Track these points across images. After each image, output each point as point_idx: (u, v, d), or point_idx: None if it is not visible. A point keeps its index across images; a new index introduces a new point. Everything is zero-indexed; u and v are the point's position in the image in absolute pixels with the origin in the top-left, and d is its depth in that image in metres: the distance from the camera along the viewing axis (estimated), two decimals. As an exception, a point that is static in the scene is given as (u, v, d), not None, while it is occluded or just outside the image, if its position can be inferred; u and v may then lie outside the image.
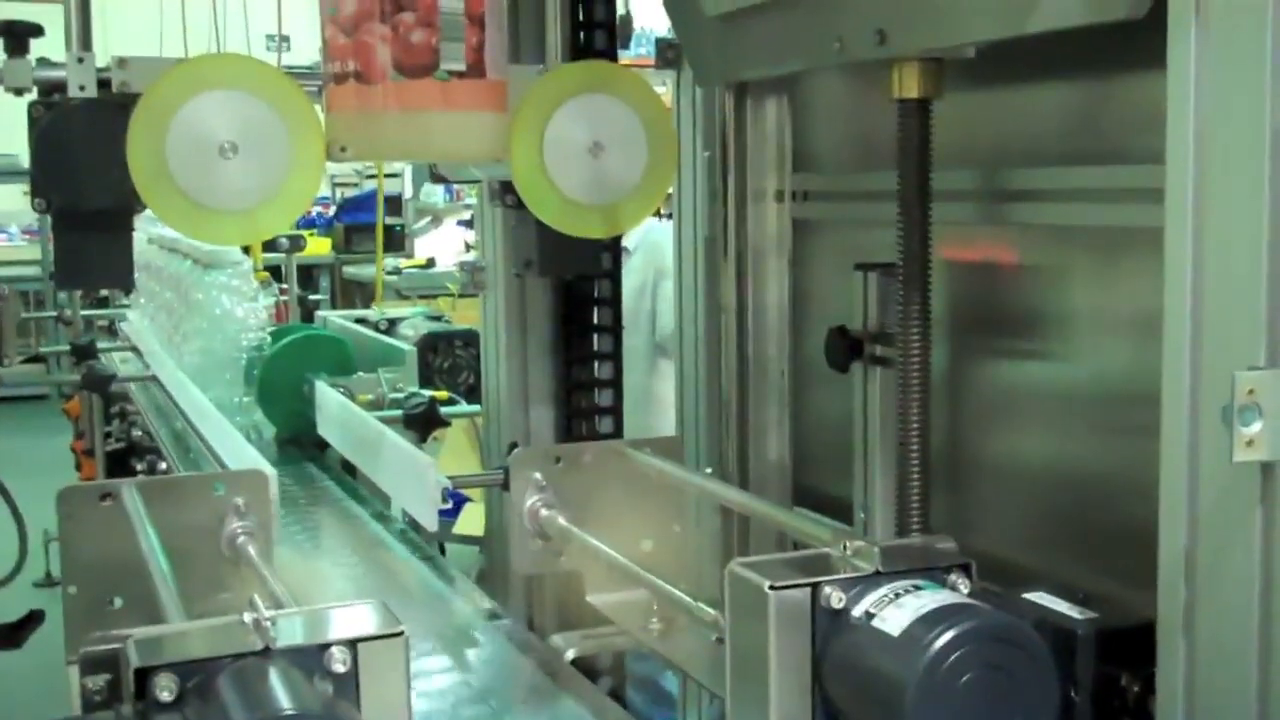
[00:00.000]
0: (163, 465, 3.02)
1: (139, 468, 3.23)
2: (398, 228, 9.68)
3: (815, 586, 1.17)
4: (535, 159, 1.82)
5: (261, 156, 1.65)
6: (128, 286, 1.89)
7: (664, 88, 2.23)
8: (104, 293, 5.01)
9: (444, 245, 9.13)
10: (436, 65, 1.70)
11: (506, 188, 2.22)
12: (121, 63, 1.71)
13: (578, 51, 2.24)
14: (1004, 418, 1.73)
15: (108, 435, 3.73)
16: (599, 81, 1.87)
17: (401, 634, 1.12)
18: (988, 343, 1.75)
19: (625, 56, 2.47)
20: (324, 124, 1.73)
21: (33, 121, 1.70)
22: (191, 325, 3.53)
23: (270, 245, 3.96)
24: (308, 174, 1.67)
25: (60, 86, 1.71)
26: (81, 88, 1.70)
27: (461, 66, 1.72)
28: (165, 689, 1.03)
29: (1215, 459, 1.06)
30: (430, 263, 8.65)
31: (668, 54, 2.24)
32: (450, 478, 1.90)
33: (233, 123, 1.64)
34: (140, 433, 3.53)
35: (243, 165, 1.64)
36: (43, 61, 1.71)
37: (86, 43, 1.74)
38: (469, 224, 8.80)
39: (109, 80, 1.71)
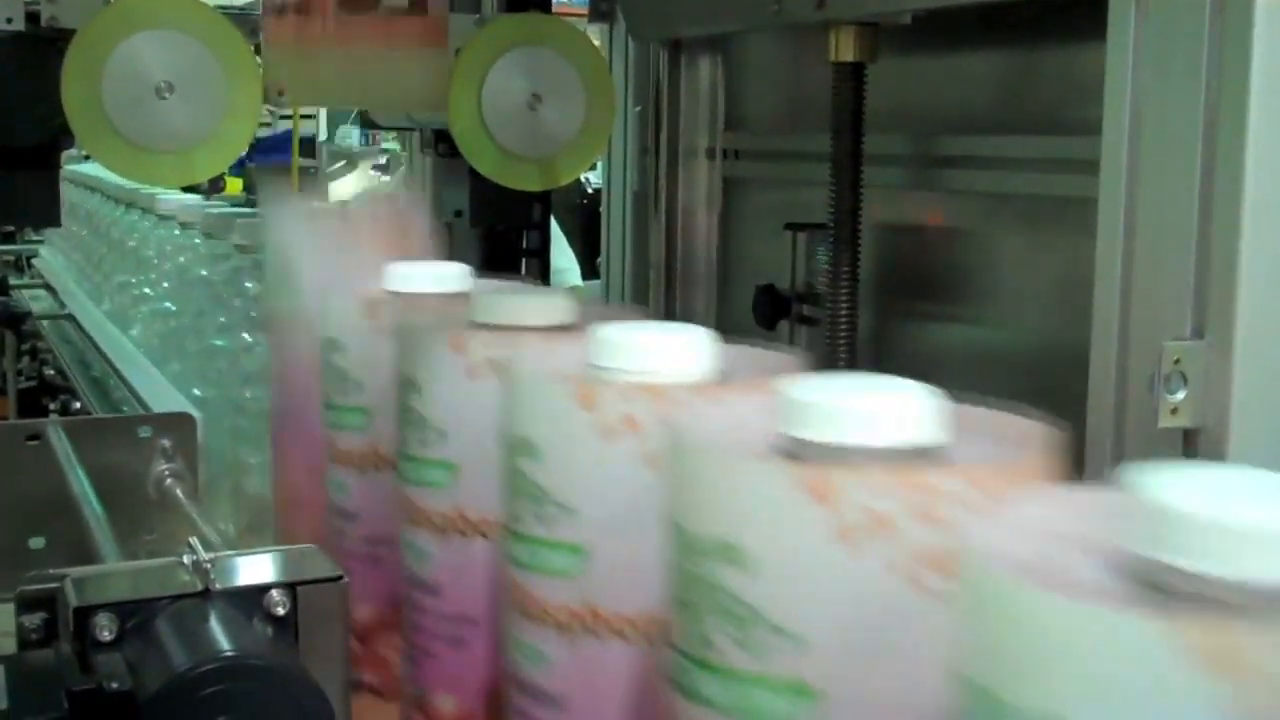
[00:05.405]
0: (76, 405, 2.98)
1: (52, 407, 3.18)
2: (311, 170, 9.54)
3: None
4: (473, 111, 1.82)
5: (198, 97, 1.64)
6: (54, 223, 1.87)
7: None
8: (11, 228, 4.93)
9: (358, 189, 9.02)
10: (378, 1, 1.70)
11: (439, 136, 2.21)
12: (50, -3, 1.69)
13: (513, 1, 2.24)
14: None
15: (18, 373, 3.67)
16: (537, 33, 1.87)
17: (341, 578, 1.12)
18: (915, 305, 1.77)
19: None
20: (262, 67, 1.72)
21: (-43, 56, 1.67)
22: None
23: (191, 186, 3.91)
24: (244, 116, 1.66)
25: (-15, 19, 1.68)
26: (9, 20, 1.67)
27: (404, 2, 1.72)
28: (105, 628, 1.02)
29: (1140, 425, 1.10)
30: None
31: (601, 6, 2.23)
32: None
33: (169, 63, 1.62)
34: (52, 371, 3.47)
35: (179, 106, 1.63)
36: (-36, -6, 1.68)
37: (15, -26, 1.71)
38: (384, 168, 8.71)
39: (37, 14, 1.68)
